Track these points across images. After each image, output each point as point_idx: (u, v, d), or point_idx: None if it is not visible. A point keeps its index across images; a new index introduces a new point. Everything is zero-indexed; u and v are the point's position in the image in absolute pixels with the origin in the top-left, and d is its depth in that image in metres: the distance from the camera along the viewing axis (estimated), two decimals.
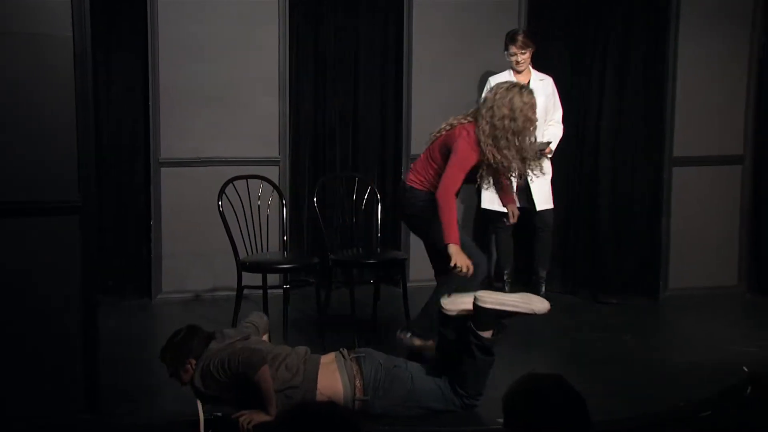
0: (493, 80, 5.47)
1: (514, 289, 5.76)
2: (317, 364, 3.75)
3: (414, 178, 4.33)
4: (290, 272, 4.95)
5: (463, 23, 5.94)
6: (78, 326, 3.64)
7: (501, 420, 2.18)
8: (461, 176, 4.07)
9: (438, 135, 4.24)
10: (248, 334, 3.84)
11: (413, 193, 4.30)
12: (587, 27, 5.85)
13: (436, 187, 4.10)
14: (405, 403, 3.75)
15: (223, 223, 4.70)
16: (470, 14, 5.97)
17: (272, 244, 5.18)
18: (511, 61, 5.56)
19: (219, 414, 3.65)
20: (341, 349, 3.88)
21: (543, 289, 5.75)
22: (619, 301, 5.84)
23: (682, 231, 6.01)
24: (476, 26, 5.88)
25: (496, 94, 4.05)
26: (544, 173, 5.34)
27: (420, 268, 6.08)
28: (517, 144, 4.03)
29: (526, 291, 5.64)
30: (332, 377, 3.73)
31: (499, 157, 4.00)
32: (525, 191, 5.58)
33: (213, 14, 5.67)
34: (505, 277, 5.86)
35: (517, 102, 3.99)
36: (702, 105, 5.93)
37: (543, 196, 5.62)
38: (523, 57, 5.52)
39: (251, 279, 4.74)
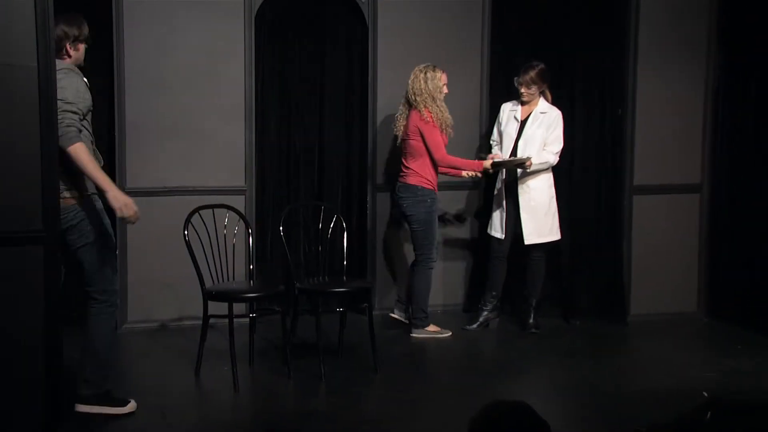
0: (504, 107, 5.78)
1: (493, 315, 5.84)
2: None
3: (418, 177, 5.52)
4: (256, 301, 4.95)
5: (427, 54, 5.99)
6: (41, 358, 3.60)
7: None
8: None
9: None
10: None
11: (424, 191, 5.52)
12: (551, 60, 5.89)
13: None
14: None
15: (189, 252, 4.69)
16: (433, 45, 6.04)
17: (238, 272, 5.18)
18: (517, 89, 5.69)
19: None
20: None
21: (531, 318, 5.77)
22: (586, 326, 5.94)
23: (643, 258, 6.12)
24: (440, 57, 5.95)
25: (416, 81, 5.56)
26: (532, 205, 5.57)
27: (386, 296, 6.14)
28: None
29: (516, 318, 5.91)
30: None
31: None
32: (516, 221, 5.67)
33: (179, 44, 5.69)
34: (490, 299, 5.81)
35: (426, 76, 5.56)
36: (661, 135, 6.07)
37: (533, 229, 5.64)
38: (527, 91, 5.60)
39: (217, 308, 4.72)
